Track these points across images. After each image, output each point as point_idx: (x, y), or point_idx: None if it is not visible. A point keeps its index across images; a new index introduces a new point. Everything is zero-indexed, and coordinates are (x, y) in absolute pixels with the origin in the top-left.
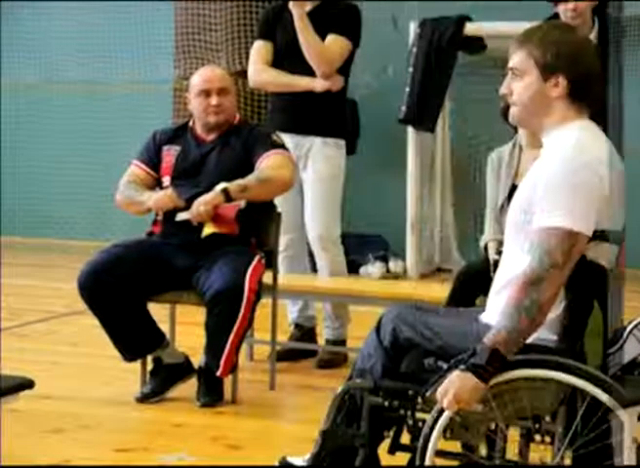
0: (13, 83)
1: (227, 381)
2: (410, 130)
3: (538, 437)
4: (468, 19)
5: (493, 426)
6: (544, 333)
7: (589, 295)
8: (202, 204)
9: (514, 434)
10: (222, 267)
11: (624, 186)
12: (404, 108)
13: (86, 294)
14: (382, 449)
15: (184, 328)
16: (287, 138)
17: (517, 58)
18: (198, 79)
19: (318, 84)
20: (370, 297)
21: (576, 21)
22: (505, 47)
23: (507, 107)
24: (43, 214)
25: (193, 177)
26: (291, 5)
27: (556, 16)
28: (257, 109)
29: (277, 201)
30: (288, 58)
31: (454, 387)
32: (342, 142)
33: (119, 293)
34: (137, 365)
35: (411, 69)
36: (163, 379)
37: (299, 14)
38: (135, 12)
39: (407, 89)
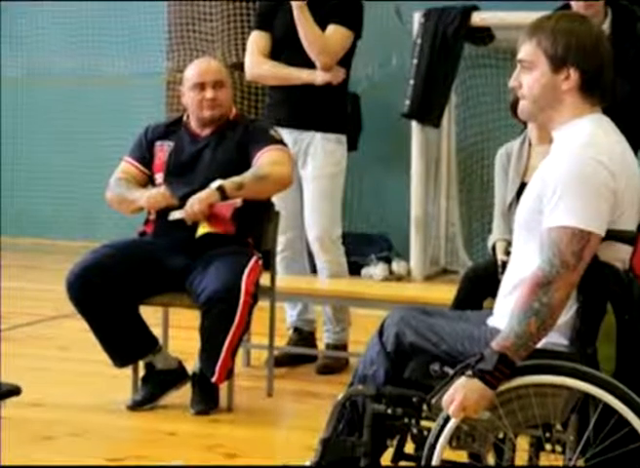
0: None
1: (223, 388)
2: (414, 124)
3: (548, 446)
4: (475, 8)
5: (501, 435)
6: (555, 338)
7: (602, 298)
8: (196, 202)
9: (523, 443)
10: (218, 268)
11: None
12: (408, 102)
13: (74, 297)
14: (385, 459)
15: (178, 332)
16: (285, 134)
17: (526, 50)
18: (192, 71)
19: (318, 76)
20: (372, 300)
21: (588, 11)
22: (514, 38)
23: (516, 101)
24: (30, 214)
25: (187, 175)
26: None
27: (567, 5)
28: (254, 103)
29: (275, 199)
30: (287, 49)
31: (460, 394)
32: (344, 138)
33: (109, 296)
34: (128, 370)
35: (415, 61)
36: (155, 386)
37: (297, 3)
38: (126, 0)
39: (411, 82)
